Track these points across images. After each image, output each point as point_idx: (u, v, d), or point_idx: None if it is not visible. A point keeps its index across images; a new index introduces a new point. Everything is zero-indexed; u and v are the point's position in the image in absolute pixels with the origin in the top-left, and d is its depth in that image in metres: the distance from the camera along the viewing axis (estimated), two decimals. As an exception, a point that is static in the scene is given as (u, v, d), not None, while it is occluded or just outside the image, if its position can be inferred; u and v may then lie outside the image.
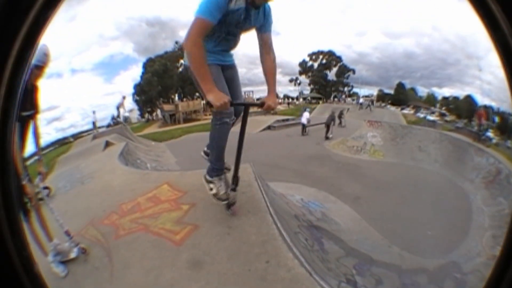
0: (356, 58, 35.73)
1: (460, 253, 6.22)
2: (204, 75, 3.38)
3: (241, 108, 3.94)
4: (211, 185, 4.24)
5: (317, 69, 35.86)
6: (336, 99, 35.21)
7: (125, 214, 4.93)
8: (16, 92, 1.09)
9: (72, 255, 3.98)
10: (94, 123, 17.99)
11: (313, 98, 35.81)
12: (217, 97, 3.34)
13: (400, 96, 29.71)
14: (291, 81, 36.38)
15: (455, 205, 9.23)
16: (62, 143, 14.83)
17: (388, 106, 29.80)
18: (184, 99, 26.82)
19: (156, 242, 4.16)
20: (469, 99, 21.99)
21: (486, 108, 17.63)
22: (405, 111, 27.30)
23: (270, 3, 3.66)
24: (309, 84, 36.51)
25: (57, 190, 6.39)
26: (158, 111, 28.05)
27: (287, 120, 24.42)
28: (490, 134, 14.71)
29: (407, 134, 16.55)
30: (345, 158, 15.19)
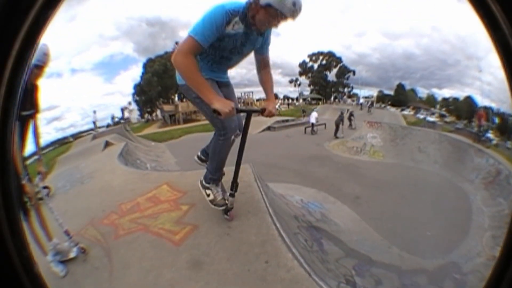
0: (356, 59, 35.87)
1: (459, 254, 6.22)
2: (202, 85, 3.28)
3: (242, 123, 3.90)
4: (208, 191, 4.24)
5: (317, 70, 35.98)
6: (336, 100, 35.25)
7: (125, 214, 4.93)
8: (16, 92, 1.09)
9: (72, 254, 3.97)
10: (94, 123, 18.04)
11: (313, 99, 35.90)
12: (224, 104, 3.21)
13: (400, 97, 29.79)
14: (291, 82, 36.53)
15: (455, 205, 9.24)
16: (62, 143, 14.86)
17: (388, 107, 29.87)
18: (184, 100, 26.85)
19: (156, 242, 4.16)
20: (469, 100, 22.08)
21: (486, 109, 17.69)
22: (405, 112, 27.40)
23: None
24: (309, 85, 36.65)
25: (56, 190, 6.38)
26: (158, 112, 28.11)
27: (287, 121, 24.49)
28: (490, 135, 14.74)
29: (407, 135, 16.58)
30: (345, 158, 15.23)
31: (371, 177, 12.32)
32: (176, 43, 27.30)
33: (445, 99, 26.36)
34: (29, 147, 4.29)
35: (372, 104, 30.58)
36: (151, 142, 18.35)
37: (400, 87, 30.44)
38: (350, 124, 21.62)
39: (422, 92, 28.77)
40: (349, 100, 34.33)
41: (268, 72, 3.96)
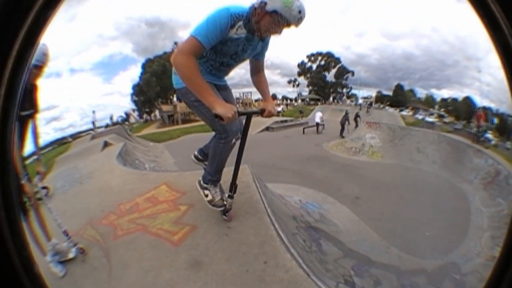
0: (355, 59, 35.96)
1: (459, 254, 6.24)
2: (203, 87, 3.17)
3: (242, 126, 3.88)
4: (206, 192, 4.21)
5: (316, 71, 36.02)
6: (335, 101, 35.29)
7: (124, 215, 4.93)
8: (16, 92, 1.09)
9: (71, 255, 3.97)
10: (93, 123, 18.05)
11: (311, 99, 35.93)
12: (227, 108, 3.13)
13: (399, 98, 29.86)
14: (289, 82, 36.59)
15: (454, 206, 9.27)
16: (60, 143, 14.86)
17: (387, 107, 29.90)
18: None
19: (154, 243, 4.15)
20: (468, 100, 22.15)
21: (485, 109, 17.74)
22: (403, 113, 27.44)
23: None
24: (308, 86, 36.66)
25: (55, 190, 6.38)
26: (157, 112, 28.11)
27: (286, 121, 24.53)
28: (489, 135, 14.77)
29: (405, 136, 16.61)
30: (344, 159, 15.27)
31: (370, 178, 12.35)
32: (175, 43, 27.41)
33: (444, 100, 26.45)
34: (28, 147, 4.29)
35: (370, 104, 30.61)
36: (149, 143, 18.36)
37: (399, 87, 30.52)
38: (357, 125, 21.71)
39: (421, 93, 28.88)
40: (348, 101, 34.39)
41: (262, 76, 3.97)
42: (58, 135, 15.60)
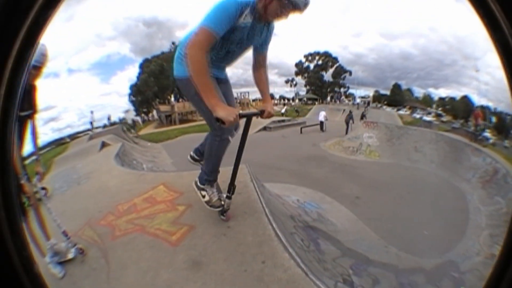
0: (352, 59, 35.95)
1: (457, 253, 6.24)
2: (209, 87, 3.17)
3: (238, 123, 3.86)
4: (203, 192, 4.18)
5: (313, 70, 35.98)
6: (333, 100, 35.29)
7: (122, 215, 4.93)
8: (16, 92, 1.09)
9: (70, 255, 3.96)
10: (91, 123, 18.01)
11: (309, 99, 35.90)
12: (228, 112, 3.12)
13: (396, 97, 29.86)
14: (287, 82, 36.55)
15: (452, 204, 9.29)
16: (58, 144, 14.81)
17: (384, 107, 29.91)
18: (180, 100, 26.81)
19: (153, 243, 4.15)
20: (465, 99, 22.18)
21: (483, 108, 17.77)
22: (401, 112, 27.45)
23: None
24: (305, 85, 36.62)
25: (53, 191, 6.37)
26: (154, 112, 28.06)
27: (283, 121, 24.55)
28: (487, 134, 14.80)
29: (403, 135, 16.62)
30: (341, 158, 15.27)
31: (368, 177, 12.35)
32: (173, 43, 27.37)
33: (441, 99, 26.45)
34: (26, 148, 4.28)
35: (368, 104, 30.66)
36: (147, 143, 18.35)
37: (396, 87, 30.51)
38: (352, 122, 21.81)
39: (419, 92, 28.85)
40: (346, 100, 34.41)
41: (264, 73, 3.96)
42: (56, 135, 15.54)
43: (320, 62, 35.77)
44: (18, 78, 1.08)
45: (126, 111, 25.63)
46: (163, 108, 27.42)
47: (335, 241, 5.34)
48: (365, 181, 11.63)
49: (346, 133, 19.68)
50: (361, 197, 9.44)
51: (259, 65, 3.92)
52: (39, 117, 4.34)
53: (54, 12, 1.15)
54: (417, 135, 16.18)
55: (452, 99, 25.06)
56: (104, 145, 11.97)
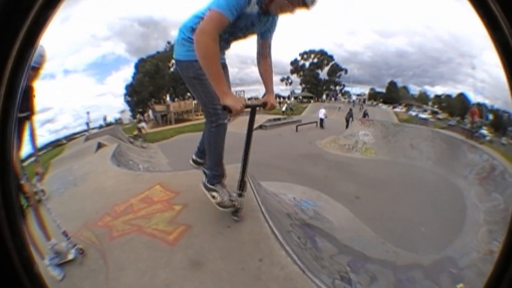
0: (348, 57, 35.86)
1: (455, 249, 6.26)
2: (219, 75, 3.08)
3: None
4: (214, 193, 4.05)
5: (309, 68, 35.90)
6: (328, 98, 35.26)
7: (118, 216, 4.92)
8: (16, 92, 1.09)
9: (70, 256, 3.95)
10: (88, 124, 17.94)
11: (304, 97, 35.83)
12: (236, 100, 3.10)
13: (392, 95, 29.84)
14: (282, 80, 36.40)
15: (449, 201, 9.30)
16: (55, 145, 14.74)
17: (380, 104, 29.92)
18: (176, 100, 26.75)
19: (150, 243, 4.16)
20: (461, 97, 22.21)
21: (480, 105, 17.80)
22: (397, 110, 27.45)
23: None
24: (301, 83, 36.55)
25: (51, 193, 6.34)
26: (150, 112, 27.99)
27: (279, 119, 24.53)
28: (484, 131, 14.82)
29: (399, 132, 16.62)
30: (337, 156, 15.27)
31: (364, 175, 12.37)
32: (168, 43, 27.25)
33: (437, 96, 26.47)
34: (24, 149, 4.28)
35: (364, 101, 30.68)
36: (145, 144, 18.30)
37: (392, 84, 30.50)
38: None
39: (415, 90, 28.86)
40: (341, 99, 34.40)
41: (269, 64, 3.92)
42: (53, 137, 15.45)
43: (315, 60, 35.71)
44: (18, 78, 1.08)
45: (122, 112, 25.56)
46: (158, 108, 27.34)
47: (332, 239, 5.36)
48: (361, 179, 11.64)
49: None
50: (357, 195, 9.46)
51: (264, 53, 3.87)
52: (36, 119, 4.33)
53: (54, 12, 1.15)
54: (413, 133, 16.19)
55: (448, 96, 25.10)
56: (100, 146, 11.93)
